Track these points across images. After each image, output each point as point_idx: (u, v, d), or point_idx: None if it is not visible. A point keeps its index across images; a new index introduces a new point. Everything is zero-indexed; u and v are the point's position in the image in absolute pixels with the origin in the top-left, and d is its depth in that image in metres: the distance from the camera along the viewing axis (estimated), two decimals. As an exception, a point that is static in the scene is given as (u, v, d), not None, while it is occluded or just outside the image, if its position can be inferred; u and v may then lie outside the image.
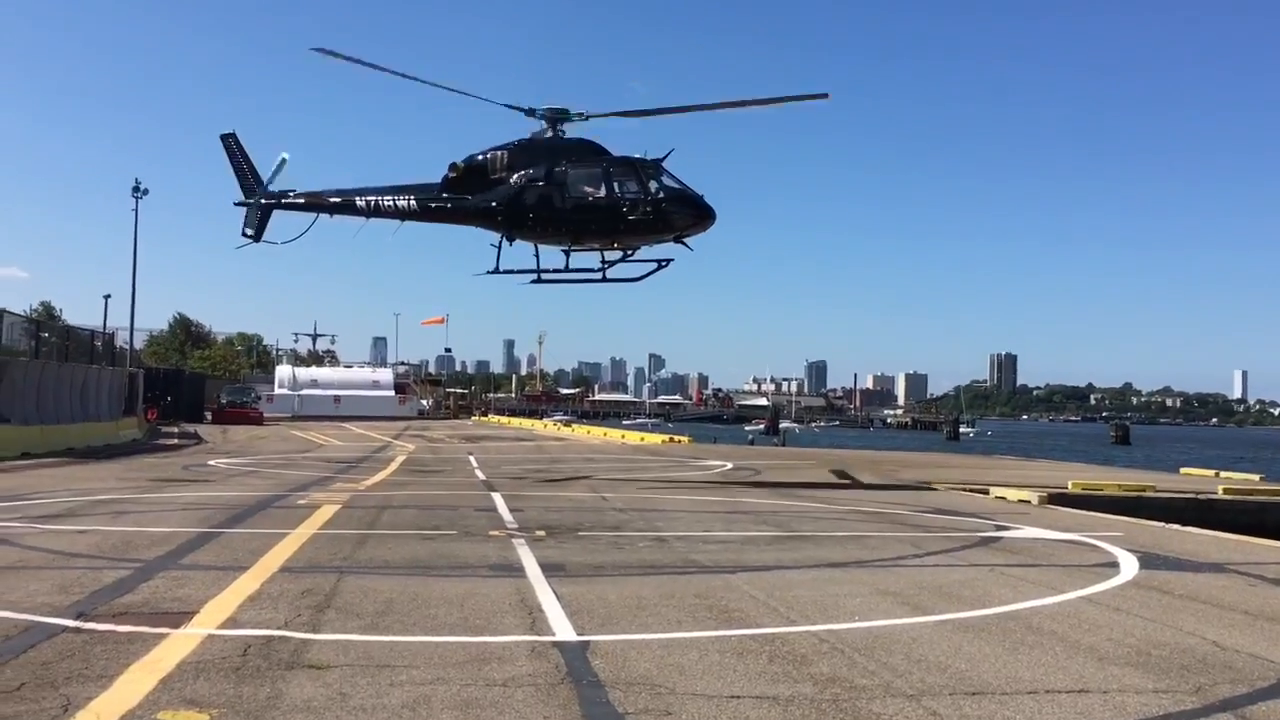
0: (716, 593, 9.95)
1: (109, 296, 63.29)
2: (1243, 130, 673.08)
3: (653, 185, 23.32)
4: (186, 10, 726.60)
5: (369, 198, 25.42)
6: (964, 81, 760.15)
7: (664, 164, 23.59)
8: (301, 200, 26.30)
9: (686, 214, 23.72)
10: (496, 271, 25.19)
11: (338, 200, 25.74)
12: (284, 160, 27.21)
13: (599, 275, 25.56)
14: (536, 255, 25.25)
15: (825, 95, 24.30)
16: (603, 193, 23.73)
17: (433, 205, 25.41)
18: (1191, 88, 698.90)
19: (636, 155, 24.06)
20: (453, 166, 24.93)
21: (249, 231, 26.78)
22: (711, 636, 8.08)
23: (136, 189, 61.46)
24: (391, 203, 25.33)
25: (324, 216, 26.08)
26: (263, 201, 26.47)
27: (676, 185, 23.52)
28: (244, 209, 26.95)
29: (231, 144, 26.84)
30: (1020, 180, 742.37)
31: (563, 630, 8.15)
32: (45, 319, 74.00)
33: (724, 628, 8.41)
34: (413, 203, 25.31)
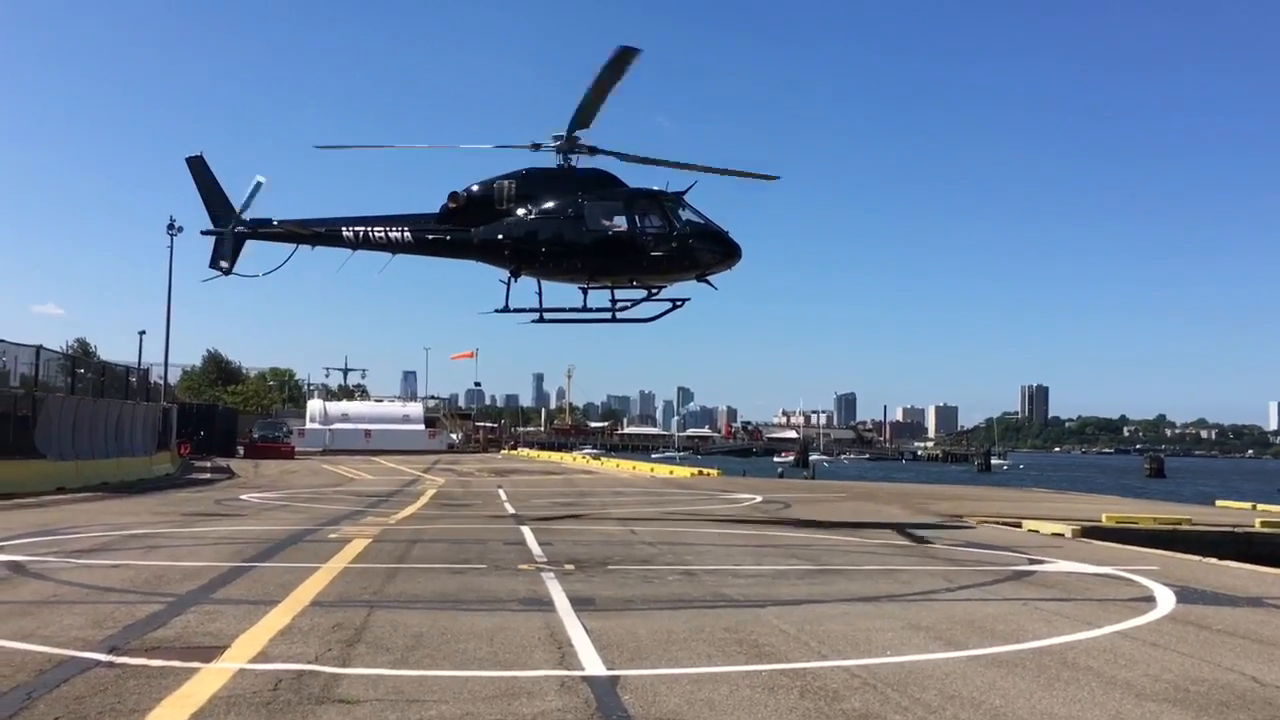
0: (747, 627, 9.89)
1: (144, 333, 64.15)
2: (1274, 165, 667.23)
3: (677, 219, 21.96)
4: (216, 55, 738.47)
5: (357, 228, 23.57)
6: (993, 118, 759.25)
7: (685, 197, 22.25)
8: (281, 230, 24.27)
9: (714, 251, 22.34)
10: (506, 310, 23.30)
11: (322, 230, 23.86)
12: (259, 184, 24.78)
13: (609, 315, 23.58)
14: (539, 293, 23.33)
15: (775, 177, 24.00)
16: (624, 227, 22.19)
17: (430, 237, 23.49)
18: (1227, 128, 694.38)
19: (656, 187, 22.67)
20: (453, 196, 23.02)
21: (221, 263, 24.48)
22: (742, 671, 8.03)
23: (171, 227, 62.21)
24: (383, 234, 23.45)
25: (304, 248, 24.03)
26: (236, 230, 24.30)
27: (701, 220, 22.14)
28: (213, 238, 24.62)
29: (199, 168, 24.68)
30: (1050, 211, 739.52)
31: (592, 665, 8.13)
32: (81, 355, 74.86)
33: (754, 662, 8.36)
34: (407, 234, 23.42)
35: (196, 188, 24.51)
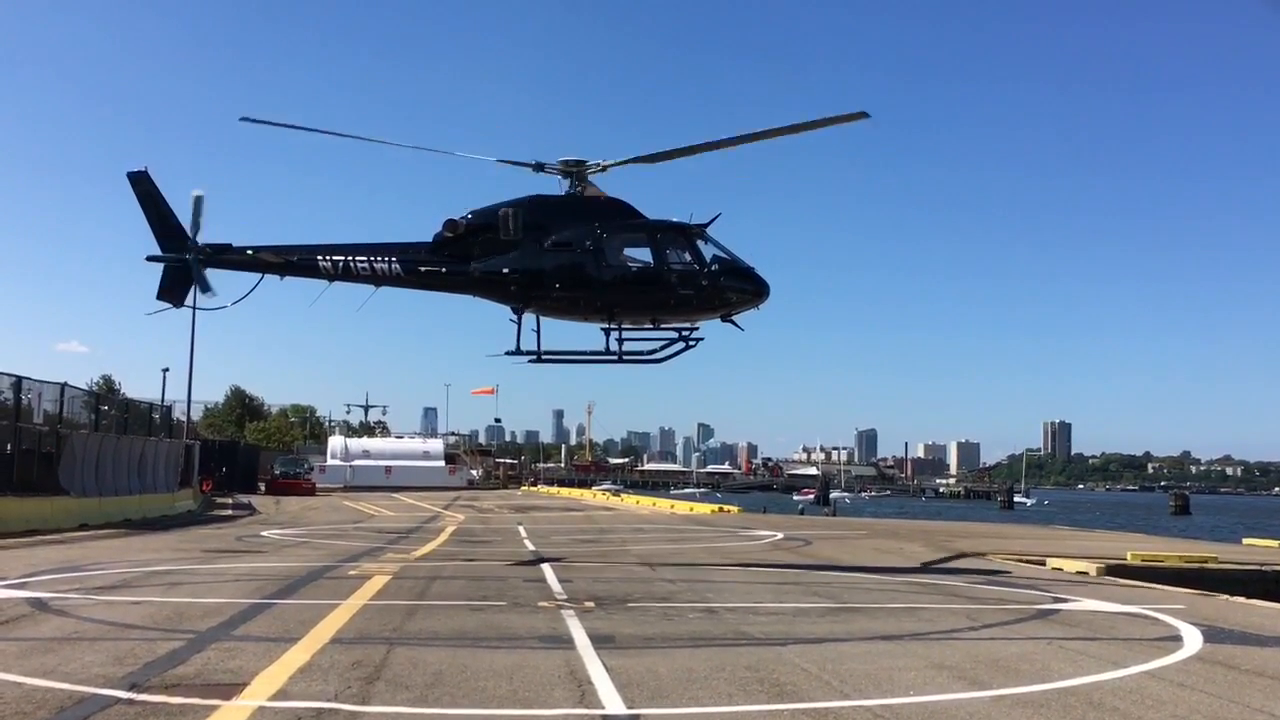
0: (768, 665, 9.82)
1: (167, 370, 64.19)
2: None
3: (705, 254, 20.32)
4: (240, 85, 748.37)
5: (336, 257, 21.06)
6: (1015, 145, 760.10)
7: (708, 230, 20.59)
8: (246, 258, 21.58)
9: (743, 289, 20.58)
10: (518, 351, 21.16)
11: (294, 259, 21.35)
12: (199, 199, 21.93)
13: (614, 356, 21.38)
14: (538, 331, 21.21)
15: (864, 115, 20.39)
16: (650, 262, 20.47)
17: (422, 269, 21.07)
18: (1255, 154, 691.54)
19: (675, 219, 20.86)
20: (450, 225, 20.68)
21: (168, 294, 21.84)
22: (763, 710, 7.97)
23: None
24: (366, 264, 20.97)
25: (271, 278, 21.55)
26: (189, 257, 21.51)
27: (726, 255, 20.54)
28: (161, 266, 21.69)
29: (143, 184, 21.75)
30: (1073, 244, 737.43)
31: (612, 703, 8.08)
32: (105, 393, 75.47)
33: (776, 701, 8.29)
34: (395, 265, 20.99)
35: (141, 207, 21.77)
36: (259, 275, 21.65)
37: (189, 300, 22.53)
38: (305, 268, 21.27)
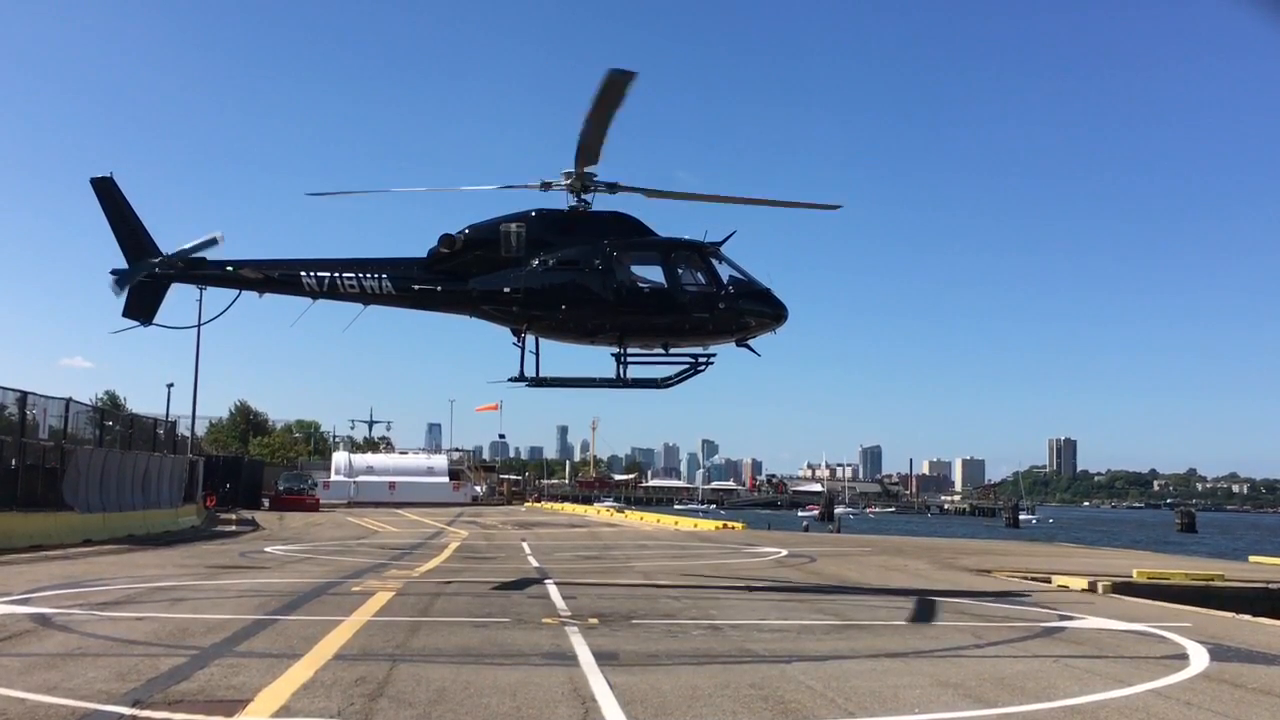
0: (772, 683, 9.79)
1: (172, 385, 64.55)
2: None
3: (721, 275, 19.36)
4: (249, 94, 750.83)
5: (320, 273, 19.89)
6: (1020, 157, 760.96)
7: (723, 248, 19.56)
8: (222, 273, 20.36)
9: (762, 312, 19.49)
10: (521, 378, 19.96)
11: (275, 274, 20.12)
12: (214, 240, 20.62)
13: (619, 382, 20.11)
14: (536, 353, 20.07)
15: (838, 206, 20.83)
16: (663, 282, 19.47)
17: (415, 288, 19.98)
18: (1260, 167, 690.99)
19: (687, 236, 19.85)
20: (446, 240, 19.60)
21: (135, 310, 20.30)
22: (767, 728, 7.93)
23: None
24: (354, 281, 19.83)
25: (249, 294, 20.38)
26: (159, 272, 20.17)
27: (743, 275, 19.51)
28: (126, 279, 20.29)
29: (107, 191, 20.40)
30: (1077, 260, 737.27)
31: (616, 721, 8.06)
32: (110, 408, 75.58)
33: (780, 719, 8.26)
34: (386, 283, 19.85)
35: (106, 216, 20.46)
36: (236, 291, 20.55)
37: (159, 318, 20.79)
38: (286, 284, 20.09)
